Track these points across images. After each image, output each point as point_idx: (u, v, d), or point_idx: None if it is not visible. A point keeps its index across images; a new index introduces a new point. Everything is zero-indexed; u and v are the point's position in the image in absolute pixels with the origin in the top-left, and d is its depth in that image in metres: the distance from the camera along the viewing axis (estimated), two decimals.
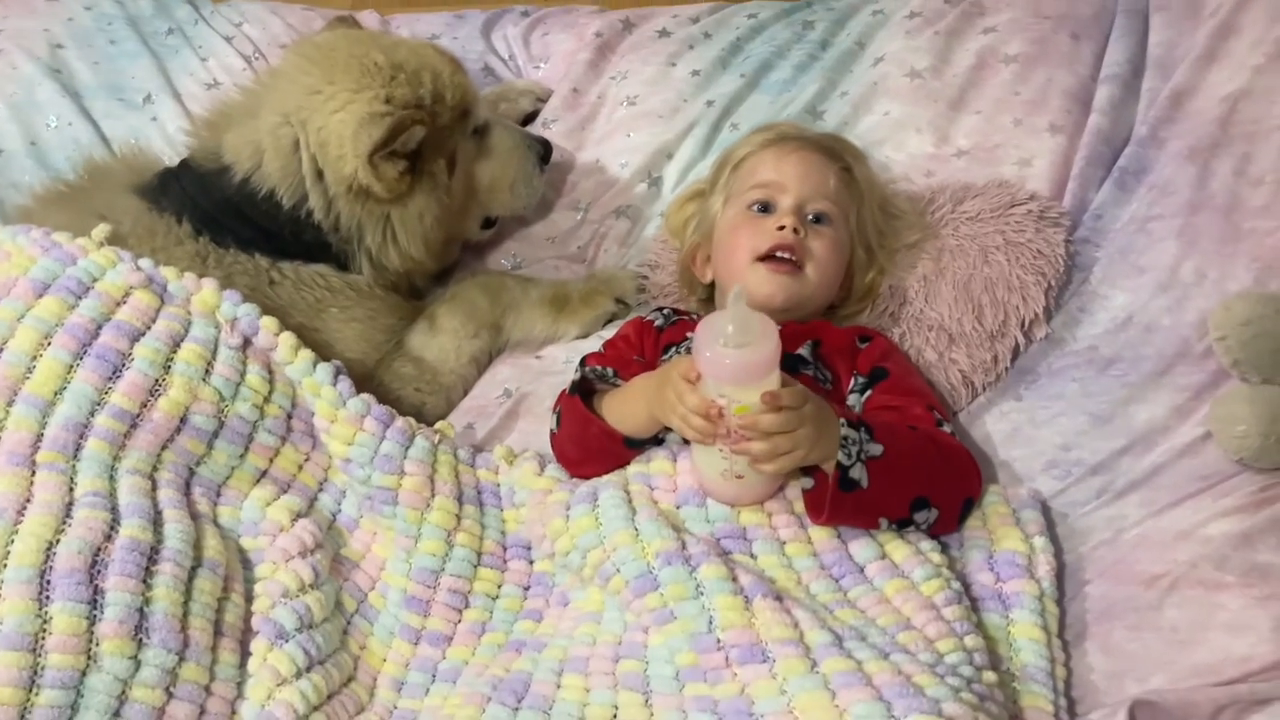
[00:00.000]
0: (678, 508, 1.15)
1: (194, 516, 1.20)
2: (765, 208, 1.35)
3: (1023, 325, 1.37)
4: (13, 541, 1.08)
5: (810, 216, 1.34)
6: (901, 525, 1.14)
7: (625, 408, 1.22)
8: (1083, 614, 1.15)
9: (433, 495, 1.27)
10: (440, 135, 1.45)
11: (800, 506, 1.13)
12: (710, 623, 1.01)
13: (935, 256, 1.43)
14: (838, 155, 1.41)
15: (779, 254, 1.31)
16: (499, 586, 1.26)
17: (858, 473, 1.08)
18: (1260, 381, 1.27)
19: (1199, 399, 1.31)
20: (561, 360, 1.50)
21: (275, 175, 1.41)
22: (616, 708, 1.03)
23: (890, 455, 1.10)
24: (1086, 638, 1.14)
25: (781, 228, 1.31)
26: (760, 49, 1.82)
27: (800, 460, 1.09)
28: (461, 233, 1.59)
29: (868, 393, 1.26)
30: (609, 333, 1.51)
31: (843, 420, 1.10)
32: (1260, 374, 1.27)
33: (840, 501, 1.09)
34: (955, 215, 1.46)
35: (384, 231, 1.44)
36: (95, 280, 1.25)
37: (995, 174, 1.56)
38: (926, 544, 1.14)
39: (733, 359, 1.05)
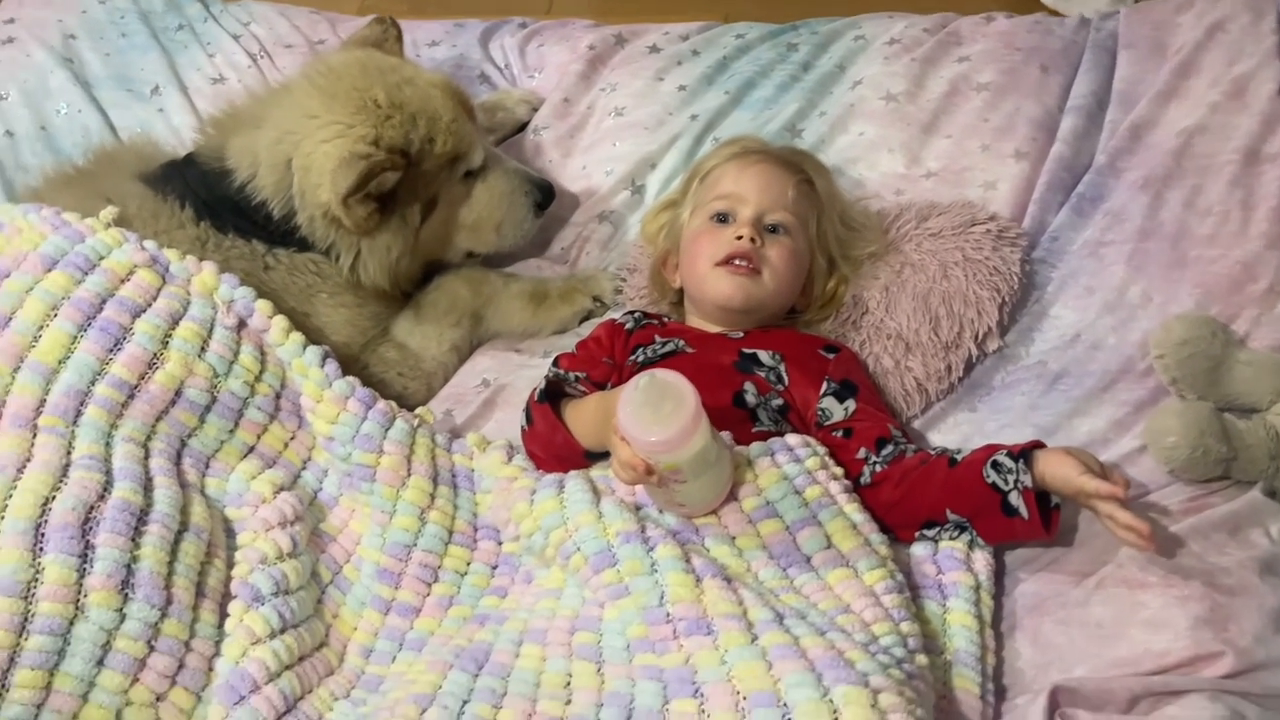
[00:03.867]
0: (637, 508, 1.21)
1: (183, 485, 1.27)
2: (726, 218, 1.43)
3: (976, 338, 1.45)
4: (11, 496, 1.14)
5: (768, 226, 1.42)
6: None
7: (583, 425, 1.29)
8: (1014, 608, 1.23)
9: (409, 474, 1.33)
10: (421, 179, 1.50)
11: (749, 504, 1.20)
12: (661, 597, 1.08)
13: (897, 269, 1.50)
14: (798, 167, 1.49)
15: (736, 260, 1.38)
16: (468, 564, 1.32)
17: (1016, 500, 1.18)
18: (1195, 398, 1.35)
19: (1138, 414, 1.38)
20: (540, 354, 1.58)
21: (268, 188, 1.47)
22: (570, 675, 1.10)
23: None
24: (1017, 629, 1.21)
25: (740, 237, 1.39)
26: (745, 68, 1.90)
27: None
28: (439, 262, 1.63)
29: (848, 400, 1.34)
30: (586, 330, 1.58)
31: (1004, 451, 1.20)
32: (1195, 391, 1.35)
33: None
34: (919, 231, 1.54)
35: (354, 256, 1.50)
36: (101, 258, 1.32)
37: (961, 195, 1.63)
38: (876, 537, 1.20)
39: (654, 437, 1.10)
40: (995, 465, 1.19)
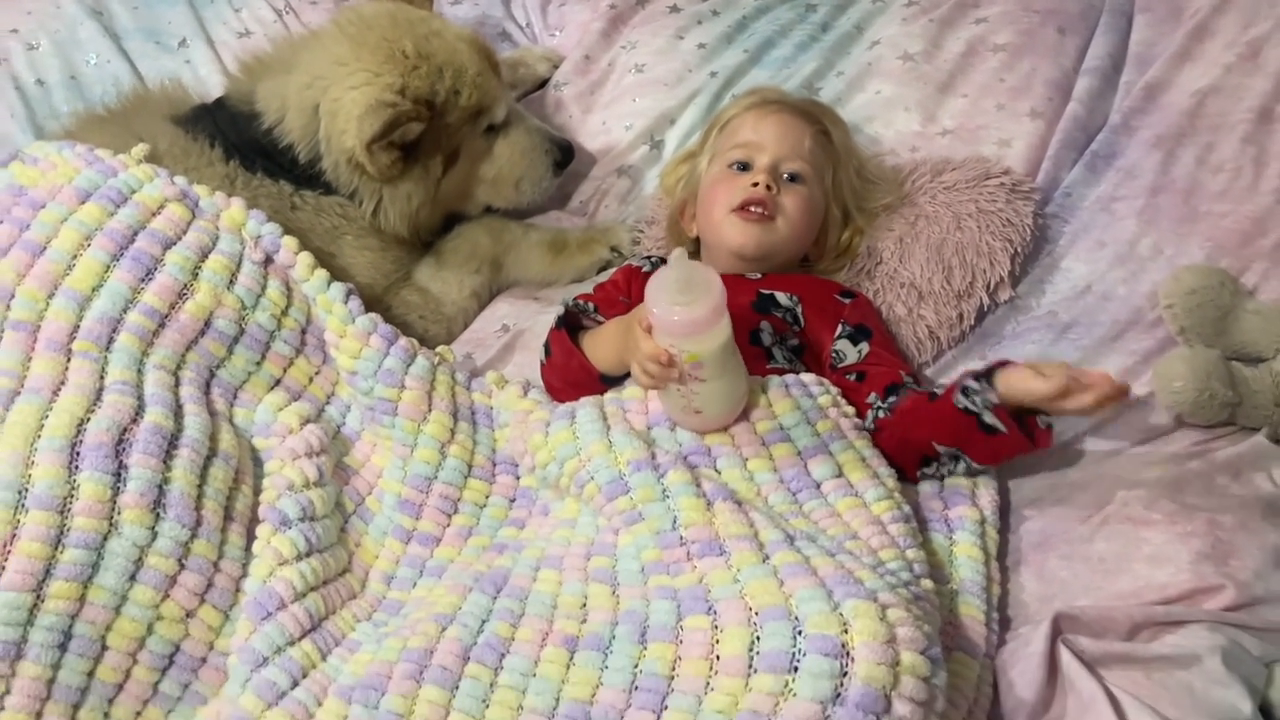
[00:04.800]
0: (649, 429, 1.24)
1: (211, 414, 1.31)
2: (744, 166, 1.45)
3: (988, 287, 1.47)
4: (47, 416, 1.18)
5: (785, 175, 1.44)
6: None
7: (600, 348, 1.32)
8: (1020, 544, 1.25)
9: (430, 409, 1.36)
10: (444, 131, 1.53)
11: (763, 427, 1.23)
12: (674, 522, 1.11)
13: (911, 221, 1.53)
14: (815, 119, 1.51)
15: (751, 207, 1.41)
16: (487, 497, 1.35)
17: (990, 419, 1.20)
18: (1203, 347, 1.37)
19: (1147, 363, 1.41)
20: (558, 301, 1.60)
21: (296, 132, 1.51)
22: (586, 597, 1.13)
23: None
24: (1023, 564, 1.24)
25: (755, 184, 1.41)
26: (764, 28, 1.92)
27: None
28: (459, 213, 1.66)
29: (861, 343, 1.37)
30: (604, 280, 1.61)
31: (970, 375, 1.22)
32: (1203, 340, 1.37)
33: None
34: (933, 184, 1.56)
35: (376, 202, 1.53)
36: (134, 192, 1.36)
37: (976, 152, 1.65)
38: (884, 471, 1.23)
39: (679, 316, 1.12)
40: (964, 390, 1.22)
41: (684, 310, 1.12)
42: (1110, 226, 1.54)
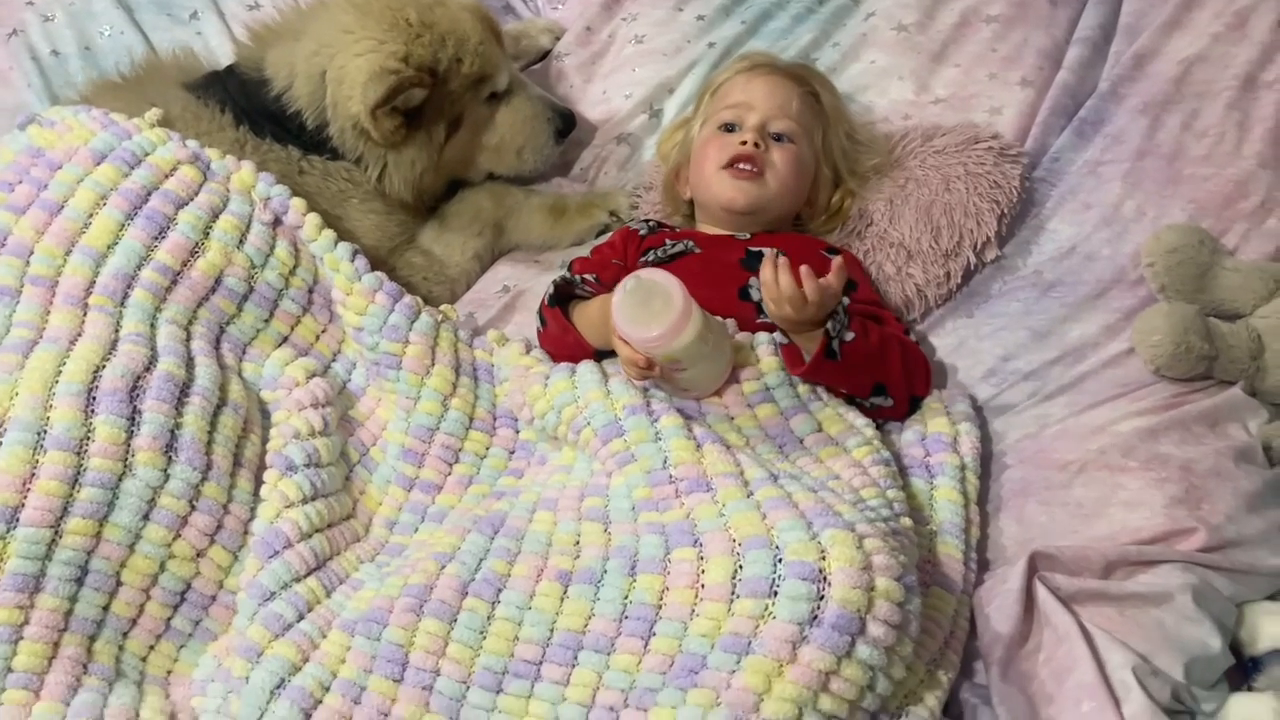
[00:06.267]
0: (645, 390, 1.29)
1: (221, 366, 1.36)
2: (733, 127, 1.50)
3: (975, 247, 1.51)
4: (65, 364, 1.23)
5: (773, 134, 1.49)
6: (858, 401, 1.31)
7: (590, 327, 1.37)
8: (1001, 491, 1.30)
9: (433, 363, 1.41)
10: (447, 98, 1.57)
11: (749, 388, 1.28)
12: (665, 461, 1.16)
13: (901, 184, 1.56)
14: (804, 80, 1.55)
15: (740, 164, 1.45)
16: (487, 448, 1.40)
17: (836, 346, 1.25)
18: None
19: (1128, 320, 1.44)
20: (558, 264, 1.65)
21: (303, 99, 1.55)
22: (579, 535, 1.18)
23: (858, 342, 1.26)
24: (1003, 510, 1.28)
25: (744, 142, 1.45)
26: (762, 0, 1.96)
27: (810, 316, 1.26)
28: (463, 179, 1.70)
29: (843, 298, 1.40)
30: (601, 243, 1.65)
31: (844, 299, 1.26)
32: (1183, 297, 1.41)
33: (820, 366, 1.26)
34: (923, 149, 1.60)
35: (381, 167, 1.57)
36: (147, 154, 1.40)
37: (967, 120, 1.69)
38: (860, 421, 1.29)
39: (653, 332, 1.18)
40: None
41: (650, 327, 1.18)
42: (1096, 190, 1.57)
